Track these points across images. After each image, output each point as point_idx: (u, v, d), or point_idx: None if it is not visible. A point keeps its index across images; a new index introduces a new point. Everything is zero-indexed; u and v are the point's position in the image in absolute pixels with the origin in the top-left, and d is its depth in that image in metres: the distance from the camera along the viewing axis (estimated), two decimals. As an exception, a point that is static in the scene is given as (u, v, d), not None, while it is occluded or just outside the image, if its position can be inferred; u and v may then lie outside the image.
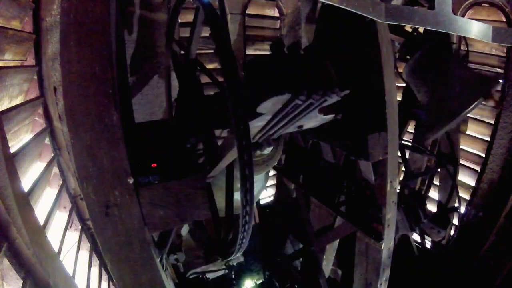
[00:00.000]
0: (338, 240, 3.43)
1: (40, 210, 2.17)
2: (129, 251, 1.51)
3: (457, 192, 4.15)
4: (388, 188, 2.40)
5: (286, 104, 1.61)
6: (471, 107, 3.37)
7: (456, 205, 4.25)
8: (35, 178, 2.12)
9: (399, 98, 4.54)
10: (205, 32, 2.18)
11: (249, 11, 4.15)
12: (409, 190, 4.37)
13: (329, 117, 2.07)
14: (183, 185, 1.61)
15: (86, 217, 2.82)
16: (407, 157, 4.53)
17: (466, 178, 4.62)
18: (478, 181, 3.99)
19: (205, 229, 2.80)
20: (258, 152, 2.14)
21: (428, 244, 4.84)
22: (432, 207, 4.95)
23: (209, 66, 3.98)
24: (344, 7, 1.42)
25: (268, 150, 2.17)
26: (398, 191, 4.08)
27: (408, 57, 3.93)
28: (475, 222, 3.98)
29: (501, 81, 3.63)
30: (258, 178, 2.58)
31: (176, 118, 2.41)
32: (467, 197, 4.31)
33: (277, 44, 1.85)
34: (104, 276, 2.96)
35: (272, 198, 5.58)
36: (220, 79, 2.49)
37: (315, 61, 1.79)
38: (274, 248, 4.62)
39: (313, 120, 2.07)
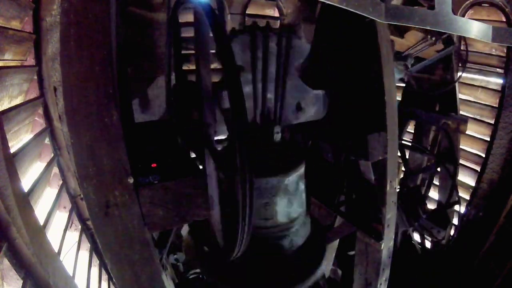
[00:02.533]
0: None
1: (40, 210, 2.17)
2: (129, 251, 1.51)
3: (457, 192, 4.15)
4: (388, 188, 2.40)
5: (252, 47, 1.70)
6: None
7: (456, 205, 4.25)
8: (35, 178, 2.12)
9: (399, 98, 4.54)
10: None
11: (249, 11, 4.15)
12: (408, 188, 4.37)
13: (320, 92, 2.27)
14: (183, 185, 1.61)
15: (86, 217, 2.82)
16: (407, 157, 4.54)
17: (466, 178, 4.62)
18: (478, 181, 3.99)
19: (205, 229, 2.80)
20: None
21: (428, 244, 4.84)
22: (432, 207, 4.95)
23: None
24: (344, 7, 1.42)
25: (278, 132, 2.21)
26: (398, 190, 4.08)
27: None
28: (475, 222, 3.98)
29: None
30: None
31: (176, 118, 2.43)
32: (467, 197, 4.31)
33: None
34: (104, 276, 2.96)
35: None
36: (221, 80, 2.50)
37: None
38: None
39: (307, 99, 2.19)
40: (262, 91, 2.18)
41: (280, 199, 2.14)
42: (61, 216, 2.59)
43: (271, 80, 2.17)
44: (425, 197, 4.60)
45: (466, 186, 4.58)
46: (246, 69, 2.08)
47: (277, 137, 2.28)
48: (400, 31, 3.95)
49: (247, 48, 2.04)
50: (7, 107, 1.93)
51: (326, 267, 3.68)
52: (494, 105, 4.02)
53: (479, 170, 4.08)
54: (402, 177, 4.61)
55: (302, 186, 2.32)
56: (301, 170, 2.26)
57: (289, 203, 2.21)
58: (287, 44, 2.13)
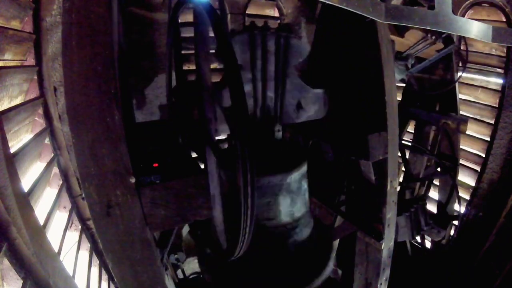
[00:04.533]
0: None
1: (40, 210, 2.16)
2: (131, 251, 1.51)
3: (457, 192, 4.16)
4: (388, 188, 2.40)
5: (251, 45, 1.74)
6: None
7: (456, 205, 4.26)
8: (35, 178, 2.12)
9: (399, 98, 4.54)
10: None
11: (249, 11, 4.14)
12: (411, 195, 4.37)
13: (320, 91, 2.29)
14: (185, 184, 1.61)
15: (86, 217, 2.82)
16: (407, 157, 4.54)
17: (466, 178, 4.62)
18: (478, 181, 3.99)
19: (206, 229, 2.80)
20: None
21: (428, 244, 4.85)
22: (432, 207, 4.96)
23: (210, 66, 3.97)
24: (344, 7, 1.42)
25: (279, 131, 2.22)
26: (398, 191, 4.08)
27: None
28: (475, 222, 3.98)
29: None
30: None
31: (176, 118, 2.44)
32: (467, 197, 4.31)
33: None
34: (104, 276, 2.96)
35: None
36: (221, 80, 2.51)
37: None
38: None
39: (307, 98, 2.21)
40: (262, 90, 2.18)
41: (283, 198, 2.14)
42: (61, 216, 2.59)
43: (270, 79, 2.19)
44: (426, 201, 4.60)
45: (466, 186, 4.58)
46: (245, 68, 2.09)
47: (278, 135, 2.28)
48: (400, 31, 3.95)
49: (246, 47, 2.07)
50: (7, 107, 1.93)
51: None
52: (494, 105, 4.03)
53: (479, 170, 4.08)
54: (402, 180, 4.61)
55: (305, 185, 2.31)
56: (304, 168, 2.25)
57: (292, 202, 2.20)
58: (286, 44, 2.15)
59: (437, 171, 4.37)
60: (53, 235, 2.19)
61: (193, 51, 1.75)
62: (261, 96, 2.20)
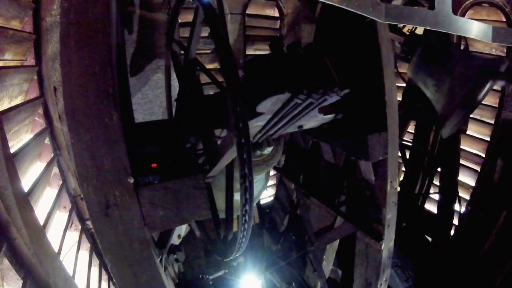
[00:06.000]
0: (338, 240, 3.43)
1: (40, 210, 2.16)
2: (129, 251, 1.51)
3: (457, 192, 4.15)
4: (388, 188, 2.40)
5: (285, 104, 1.62)
6: (483, 92, 3.20)
7: (456, 205, 4.25)
8: (35, 178, 2.12)
9: (399, 98, 4.54)
10: (205, 32, 2.18)
11: (249, 11, 4.15)
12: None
13: (330, 116, 2.08)
14: (183, 185, 1.61)
15: (86, 217, 2.82)
16: (407, 157, 4.53)
17: (466, 178, 4.62)
18: (478, 181, 3.99)
19: (205, 229, 2.81)
20: (258, 152, 2.15)
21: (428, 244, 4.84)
22: (432, 207, 4.95)
23: (209, 66, 3.97)
24: (344, 7, 1.42)
25: (268, 150, 2.19)
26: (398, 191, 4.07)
27: (410, 56, 3.91)
28: (475, 222, 3.98)
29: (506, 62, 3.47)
30: (258, 179, 2.59)
31: (176, 117, 2.42)
32: (467, 197, 4.31)
33: (276, 43, 1.86)
34: (104, 276, 2.96)
35: (272, 198, 5.58)
36: (220, 79, 2.51)
37: (315, 60, 1.79)
38: (274, 248, 4.62)
39: (313, 120, 2.09)
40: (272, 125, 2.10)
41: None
42: (61, 216, 2.59)
43: None
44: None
45: (466, 186, 4.58)
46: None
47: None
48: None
49: (280, 103, 1.64)
50: (7, 107, 1.93)
51: (326, 267, 3.68)
52: (494, 105, 4.02)
53: (479, 170, 4.08)
54: (402, 179, 4.61)
55: None
56: None
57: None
58: (319, 103, 1.68)
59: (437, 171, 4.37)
60: (53, 235, 2.19)
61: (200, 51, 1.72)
62: None
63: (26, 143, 2.05)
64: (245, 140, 1.32)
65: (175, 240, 2.66)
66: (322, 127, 2.52)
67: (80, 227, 2.77)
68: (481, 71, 3.14)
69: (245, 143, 1.32)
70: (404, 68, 4.10)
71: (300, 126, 2.11)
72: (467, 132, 4.09)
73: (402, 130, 4.65)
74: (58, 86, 2.34)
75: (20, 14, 2.06)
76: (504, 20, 3.58)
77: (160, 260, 1.97)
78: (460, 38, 3.98)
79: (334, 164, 3.39)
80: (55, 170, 2.56)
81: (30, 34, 2.19)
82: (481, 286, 3.75)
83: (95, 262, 2.89)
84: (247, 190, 1.39)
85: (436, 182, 4.68)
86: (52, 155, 2.52)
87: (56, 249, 2.04)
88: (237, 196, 1.78)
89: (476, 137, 4.38)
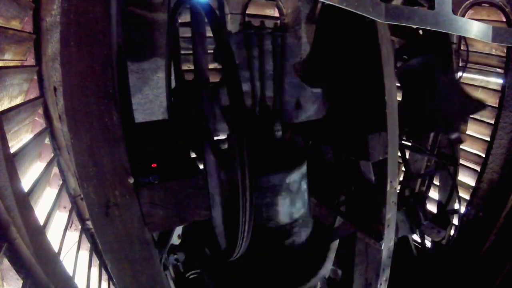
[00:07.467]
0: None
1: (40, 210, 2.16)
2: (129, 251, 1.51)
3: (457, 192, 4.15)
4: (388, 188, 2.40)
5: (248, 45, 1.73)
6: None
7: (456, 205, 4.25)
8: (35, 178, 2.12)
9: (399, 98, 4.53)
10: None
11: (249, 11, 4.14)
12: (410, 191, 4.37)
13: (319, 90, 2.34)
14: (184, 185, 1.61)
15: (86, 217, 2.82)
16: (407, 157, 4.53)
17: (466, 178, 4.62)
18: (478, 181, 3.98)
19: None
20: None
21: (428, 244, 4.84)
22: (432, 207, 4.95)
23: (209, 66, 3.97)
24: (344, 7, 1.42)
25: (278, 130, 2.22)
26: (398, 191, 4.08)
27: (405, 57, 3.93)
28: (475, 222, 3.98)
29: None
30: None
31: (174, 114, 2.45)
32: (467, 197, 4.30)
33: None
34: (104, 276, 2.96)
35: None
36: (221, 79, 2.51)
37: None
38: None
39: (306, 97, 2.25)
40: (260, 89, 2.20)
41: (282, 198, 2.14)
42: (61, 216, 2.59)
43: (268, 78, 2.20)
44: (426, 199, 4.59)
45: (466, 186, 4.58)
46: (243, 67, 2.11)
47: (278, 134, 2.28)
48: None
49: (243, 47, 2.09)
50: (7, 107, 1.93)
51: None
52: (494, 105, 4.02)
53: (479, 170, 4.08)
54: (402, 179, 4.61)
55: (304, 185, 2.31)
56: (304, 168, 2.25)
57: (291, 203, 2.20)
58: (282, 43, 2.18)
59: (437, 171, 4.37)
60: (53, 235, 2.19)
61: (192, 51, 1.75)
62: (260, 95, 2.21)
63: (26, 143, 2.05)
64: (244, 136, 1.33)
65: (175, 240, 2.65)
66: (322, 127, 2.53)
67: (80, 227, 2.77)
68: (463, 108, 3.33)
69: (243, 143, 1.32)
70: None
71: (299, 104, 2.31)
72: (467, 132, 4.08)
73: (402, 130, 4.64)
74: (58, 86, 2.34)
75: (20, 14, 2.06)
76: (504, 20, 3.58)
77: (160, 260, 1.97)
78: (460, 38, 3.98)
79: (334, 164, 3.39)
80: (55, 170, 2.56)
81: (30, 34, 2.20)
82: (481, 286, 3.75)
83: (95, 262, 2.89)
84: (246, 190, 1.39)
85: (436, 182, 4.68)
86: (52, 155, 2.52)
87: (56, 249, 2.03)
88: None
89: (476, 137, 4.38)
